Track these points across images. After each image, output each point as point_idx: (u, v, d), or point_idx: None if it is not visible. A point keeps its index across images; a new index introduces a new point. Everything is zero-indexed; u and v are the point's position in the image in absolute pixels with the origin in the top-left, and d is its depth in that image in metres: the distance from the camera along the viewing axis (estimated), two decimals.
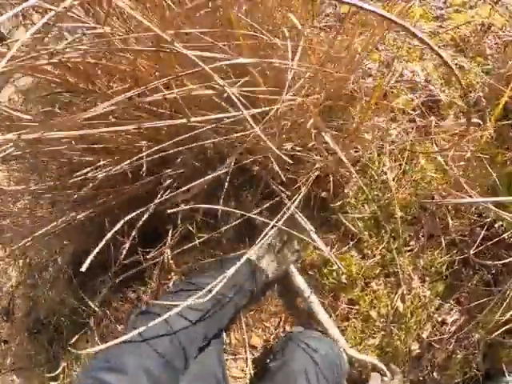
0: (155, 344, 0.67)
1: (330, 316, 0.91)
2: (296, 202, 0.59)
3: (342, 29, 0.70)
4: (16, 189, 1.00)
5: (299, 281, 0.89)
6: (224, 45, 0.59)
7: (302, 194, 0.60)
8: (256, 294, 0.90)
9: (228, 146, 0.71)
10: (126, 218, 0.61)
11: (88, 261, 0.55)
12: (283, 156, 0.56)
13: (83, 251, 1.20)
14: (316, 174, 0.76)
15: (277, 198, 0.73)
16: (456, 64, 1.17)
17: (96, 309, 1.08)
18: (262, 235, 0.59)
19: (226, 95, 0.60)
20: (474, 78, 1.15)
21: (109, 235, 0.57)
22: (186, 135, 0.57)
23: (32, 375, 1.42)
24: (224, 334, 0.97)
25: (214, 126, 0.57)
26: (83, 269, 0.54)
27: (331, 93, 0.79)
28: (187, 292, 0.76)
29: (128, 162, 0.62)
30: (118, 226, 0.58)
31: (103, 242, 0.55)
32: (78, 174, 0.63)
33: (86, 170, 0.68)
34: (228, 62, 0.52)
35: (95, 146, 0.66)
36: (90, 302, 1.15)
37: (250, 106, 0.54)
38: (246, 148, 0.67)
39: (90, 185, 0.73)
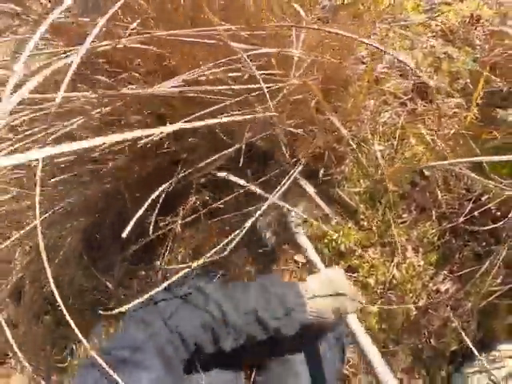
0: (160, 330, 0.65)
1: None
2: (298, 169, 0.68)
3: (335, 18, 0.79)
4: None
5: None
6: (248, 34, 0.69)
7: (303, 163, 0.68)
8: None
9: (238, 125, 0.81)
10: (159, 190, 0.68)
11: (129, 228, 0.58)
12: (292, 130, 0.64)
13: (94, 228, 1.23)
14: (315, 149, 0.85)
15: (280, 168, 0.82)
16: (445, 53, 1.27)
17: (109, 285, 1.14)
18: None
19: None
20: (461, 65, 1.24)
21: (146, 205, 0.65)
22: (202, 112, 0.67)
23: (39, 358, 1.43)
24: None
25: (233, 100, 0.66)
26: (124, 235, 0.57)
27: (329, 76, 0.88)
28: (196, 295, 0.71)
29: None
30: (154, 196, 0.66)
31: (142, 210, 0.62)
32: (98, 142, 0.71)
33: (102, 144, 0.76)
34: (254, 52, 0.62)
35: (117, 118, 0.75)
36: (103, 280, 1.19)
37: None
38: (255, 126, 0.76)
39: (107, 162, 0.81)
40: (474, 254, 1.13)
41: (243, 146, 0.73)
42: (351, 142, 0.84)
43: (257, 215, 0.70)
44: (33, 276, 1.48)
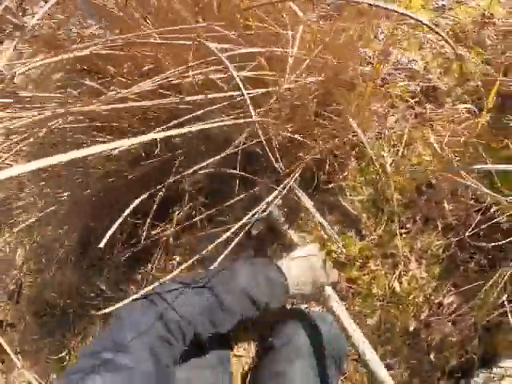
0: (151, 326, 0.65)
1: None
2: (295, 178, 0.63)
3: (340, 16, 0.73)
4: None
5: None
6: (234, 34, 0.63)
7: (299, 170, 0.63)
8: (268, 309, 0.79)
9: (233, 128, 0.75)
10: (145, 195, 0.64)
11: (107, 236, 0.55)
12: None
13: (90, 231, 1.22)
14: (316, 155, 0.79)
15: (277, 177, 0.77)
16: (455, 54, 1.20)
17: (102, 288, 1.12)
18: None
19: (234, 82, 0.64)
20: (472, 67, 1.17)
21: (127, 211, 0.60)
22: (190, 115, 0.61)
23: (38, 358, 1.43)
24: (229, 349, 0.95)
25: (219, 105, 0.60)
26: (101, 245, 0.55)
27: (330, 78, 0.82)
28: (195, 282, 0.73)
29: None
30: (137, 202, 0.61)
31: (121, 219, 0.58)
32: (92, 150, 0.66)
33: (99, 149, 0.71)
34: (238, 52, 0.56)
35: (107, 124, 0.70)
36: (98, 283, 1.18)
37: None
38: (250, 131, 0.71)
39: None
40: (479, 267, 1.08)
41: (239, 151, 0.68)
42: (367, 147, 0.78)
43: (252, 221, 0.65)
44: (31, 276, 1.51)
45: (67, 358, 1.33)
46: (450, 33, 1.24)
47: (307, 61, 0.75)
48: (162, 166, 0.83)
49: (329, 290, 0.84)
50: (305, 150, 0.79)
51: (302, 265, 0.81)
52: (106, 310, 0.58)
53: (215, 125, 0.57)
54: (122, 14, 0.71)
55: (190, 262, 0.66)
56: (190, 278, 0.74)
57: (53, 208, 1.07)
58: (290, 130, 0.77)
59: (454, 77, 1.13)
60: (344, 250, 0.91)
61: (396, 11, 0.61)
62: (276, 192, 0.61)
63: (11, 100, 0.73)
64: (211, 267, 0.67)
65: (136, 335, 0.63)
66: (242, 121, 0.54)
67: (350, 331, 0.82)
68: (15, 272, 1.58)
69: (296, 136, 0.72)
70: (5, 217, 1.34)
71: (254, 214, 0.64)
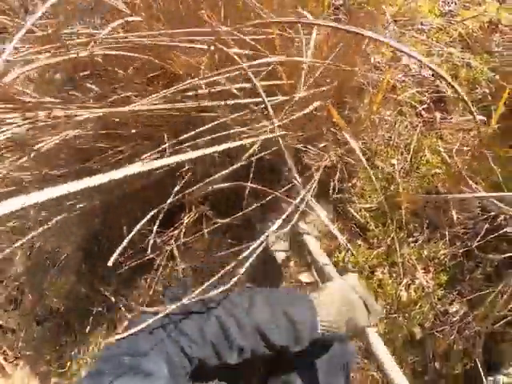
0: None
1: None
2: (311, 190, 0.61)
3: (350, 21, 0.72)
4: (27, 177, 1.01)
5: None
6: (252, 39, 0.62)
7: (315, 182, 0.61)
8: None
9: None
10: (156, 210, 0.63)
11: (115, 255, 0.54)
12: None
13: (94, 237, 1.21)
14: (326, 163, 0.78)
15: (290, 185, 0.76)
16: (463, 60, 1.19)
17: (107, 294, 1.10)
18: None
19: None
20: (480, 74, 1.17)
21: (139, 225, 0.59)
22: (208, 125, 0.60)
23: (39, 364, 1.42)
24: None
25: (235, 115, 0.59)
26: (110, 263, 0.55)
27: (341, 84, 0.81)
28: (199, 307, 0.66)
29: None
30: (149, 216, 0.60)
31: (133, 232, 0.56)
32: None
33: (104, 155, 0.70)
34: (257, 62, 0.55)
35: (116, 131, 0.69)
36: (102, 289, 1.17)
37: (271, 95, 0.57)
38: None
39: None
40: (485, 276, 1.08)
41: (253, 161, 0.66)
42: (361, 158, 0.77)
43: (263, 238, 0.63)
44: (32, 282, 1.48)
45: (68, 363, 1.32)
46: (458, 38, 1.23)
47: (321, 68, 0.74)
48: (172, 173, 0.81)
49: (372, 334, 0.66)
50: (316, 158, 0.78)
51: (338, 300, 0.67)
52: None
53: (237, 143, 0.56)
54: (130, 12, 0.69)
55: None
56: (200, 303, 0.66)
57: (58, 218, 1.04)
58: (302, 138, 0.75)
59: (462, 84, 1.12)
60: (351, 258, 0.90)
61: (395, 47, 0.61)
62: (292, 206, 0.59)
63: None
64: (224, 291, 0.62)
65: (153, 346, 0.60)
66: (270, 135, 0.53)
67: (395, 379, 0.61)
68: (15, 277, 1.56)
69: (307, 147, 0.71)
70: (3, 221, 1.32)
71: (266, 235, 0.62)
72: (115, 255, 0.51)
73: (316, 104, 0.66)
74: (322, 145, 0.76)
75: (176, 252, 0.91)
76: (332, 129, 0.78)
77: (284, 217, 0.61)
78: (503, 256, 0.91)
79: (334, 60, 0.77)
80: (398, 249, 0.92)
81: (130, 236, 0.52)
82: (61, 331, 1.39)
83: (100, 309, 1.23)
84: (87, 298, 1.28)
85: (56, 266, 1.40)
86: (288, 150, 0.61)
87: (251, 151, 0.58)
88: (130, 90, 0.67)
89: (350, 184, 0.89)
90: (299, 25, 0.71)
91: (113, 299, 1.20)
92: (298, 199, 0.58)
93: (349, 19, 0.89)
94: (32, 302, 1.51)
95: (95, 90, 0.69)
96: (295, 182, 0.59)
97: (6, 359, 1.49)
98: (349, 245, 0.84)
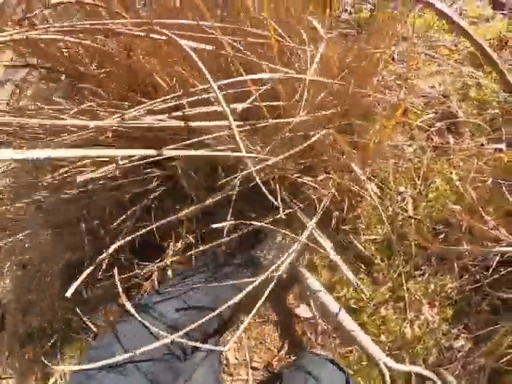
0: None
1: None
2: (315, 220, 0.54)
3: (359, 36, 0.64)
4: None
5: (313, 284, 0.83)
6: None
7: (320, 212, 0.55)
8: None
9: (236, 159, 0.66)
10: (124, 240, 0.56)
11: (72, 289, 0.54)
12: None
13: (78, 256, 1.13)
14: (331, 192, 0.71)
15: (288, 211, 0.68)
16: (473, 78, 1.13)
17: (89, 323, 1.02)
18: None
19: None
20: (490, 94, 1.11)
21: (92, 266, 0.54)
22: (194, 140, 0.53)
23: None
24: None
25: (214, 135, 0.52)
26: (68, 294, 0.54)
27: (348, 105, 0.74)
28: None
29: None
30: (111, 250, 0.54)
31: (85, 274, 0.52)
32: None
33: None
34: (252, 77, 0.48)
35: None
36: (84, 318, 1.09)
37: (271, 113, 0.50)
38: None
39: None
40: (492, 308, 1.02)
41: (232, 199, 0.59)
42: (369, 187, 0.70)
43: (264, 276, 0.57)
44: (15, 300, 1.43)
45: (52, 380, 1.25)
46: (468, 56, 1.17)
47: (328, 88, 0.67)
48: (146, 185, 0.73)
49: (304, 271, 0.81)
50: (318, 188, 0.71)
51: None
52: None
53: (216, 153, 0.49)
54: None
55: None
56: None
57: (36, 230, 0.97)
58: (301, 166, 0.68)
59: (473, 104, 1.06)
60: (353, 294, 0.83)
61: None
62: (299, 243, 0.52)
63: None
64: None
65: (132, 358, 0.59)
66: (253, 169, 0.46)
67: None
68: None
69: (307, 179, 0.63)
70: None
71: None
72: (72, 288, 0.51)
73: (321, 133, 0.58)
74: (323, 177, 0.69)
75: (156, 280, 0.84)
76: (336, 154, 0.71)
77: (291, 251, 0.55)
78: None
79: (343, 79, 0.70)
80: (404, 283, 0.86)
81: (89, 270, 0.48)
82: (46, 351, 1.31)
83: (85, 326, 1.16)
84: (70, 320, 1.23)
85: (41, 287, 1.32)
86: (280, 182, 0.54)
87: (233, 184, 0.52)
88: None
89: (354, 214, 0.82)
90: (305, 36, 0.63)
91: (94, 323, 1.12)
92: (305, 235, 0.51)
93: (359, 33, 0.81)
94: (16, 323, 1.44)
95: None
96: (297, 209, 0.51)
97: None
98: (359, 282, 0.77)
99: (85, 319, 1.07)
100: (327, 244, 0.66)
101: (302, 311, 0.88)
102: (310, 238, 0.72)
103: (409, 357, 0.98)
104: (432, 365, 1.03)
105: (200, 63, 0.46)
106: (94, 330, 1.14)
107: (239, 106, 0.59)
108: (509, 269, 0.87)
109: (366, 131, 0.78)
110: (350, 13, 1.13)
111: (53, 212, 0.90)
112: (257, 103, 0.60)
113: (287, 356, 0.95)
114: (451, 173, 0.89)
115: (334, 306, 0.78)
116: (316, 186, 0.67)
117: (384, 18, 0.83)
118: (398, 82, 0.91)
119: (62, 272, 1.24)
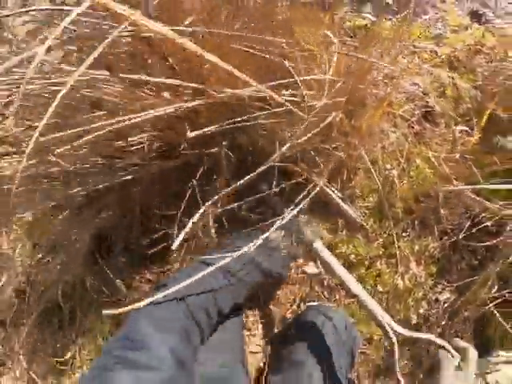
0: (173, 319, 0.66)
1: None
2: (323, 180, 0.75)
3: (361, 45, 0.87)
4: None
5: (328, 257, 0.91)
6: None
7: (326, 174, 0.76)
8: (273, 273, 0.89)
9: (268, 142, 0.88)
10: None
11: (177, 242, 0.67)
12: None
13: (105, 227, 1.22)
14: (333, 166, 0.94)
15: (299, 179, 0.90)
16: (450, 78, 1.36)
17: (122, 287, 1.17)
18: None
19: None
20: (464, 92, 1.33)
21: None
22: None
23: (42, 359, 1.38)
24: (243, 313, 0.98)
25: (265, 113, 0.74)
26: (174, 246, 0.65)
27: (350, 97, 0.97)
28: (201, 267, 0.72)
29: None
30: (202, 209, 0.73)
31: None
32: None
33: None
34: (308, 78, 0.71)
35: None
36: (114, 279, 1.19)
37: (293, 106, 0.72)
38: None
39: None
40: (471, 267, 1.22)
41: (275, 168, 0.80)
42: (367, 160, 0.92)
43: (272, 229, 0.77)
44: (36, 275, 1.43)
45: (73, 359, 1.31)
46: (446, 60, 1.40)
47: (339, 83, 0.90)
48: (185, 168, 0.94)
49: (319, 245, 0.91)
50: (325, 160, 0.93)
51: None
52: (120, 310, 0.59)
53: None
54: None
55: None
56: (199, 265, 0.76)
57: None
58: (316, 143, 0.90)
59: (449, 100, 1.29)
60: (353, 250, 1.04)
61: None
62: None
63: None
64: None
65: (156, 332, 0.61)
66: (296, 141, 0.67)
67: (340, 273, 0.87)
68: (20, 270, 1.46)
69: (327, 146, 0.85)
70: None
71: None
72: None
73: (334, 114, 0.81)
74: (334, 145, 0.91)
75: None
76: (340, 136, 0.94)
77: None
78: (484, 244, 1.05)
79: (349, 77, 0.92)
80: (395, 240, 1.07)
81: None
82: (66, 325, 1.35)
83: (107, 300, 1.25)
84: (91, 292, 1.29)
85: (60, 258, 1.31)
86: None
87: (275, 156, 0.73)
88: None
89: (350, 185, 1.04)
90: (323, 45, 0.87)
91: (121, 290, 1.22)
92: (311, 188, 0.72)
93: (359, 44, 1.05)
94: (37, 296, 1.41)
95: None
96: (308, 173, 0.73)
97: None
98: (361, 217, 0.97)
99: (117, 281, 1.19)
100: (336, 194, 0.87)
101: (310, 268, 1.10)
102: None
103: (403, 308, 1.19)
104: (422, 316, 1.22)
105: None
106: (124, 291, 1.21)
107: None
108: (478, 227, 1.08)
109: (361, 117, 1.00)
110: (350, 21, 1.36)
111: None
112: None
113: (299, 309, 1.16)
114: (429, 154, 1.11)
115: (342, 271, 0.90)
116: (330, 148, 0.88)
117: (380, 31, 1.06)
118: (385, 81, 1.14)
119: (86, 245, 1.26)
